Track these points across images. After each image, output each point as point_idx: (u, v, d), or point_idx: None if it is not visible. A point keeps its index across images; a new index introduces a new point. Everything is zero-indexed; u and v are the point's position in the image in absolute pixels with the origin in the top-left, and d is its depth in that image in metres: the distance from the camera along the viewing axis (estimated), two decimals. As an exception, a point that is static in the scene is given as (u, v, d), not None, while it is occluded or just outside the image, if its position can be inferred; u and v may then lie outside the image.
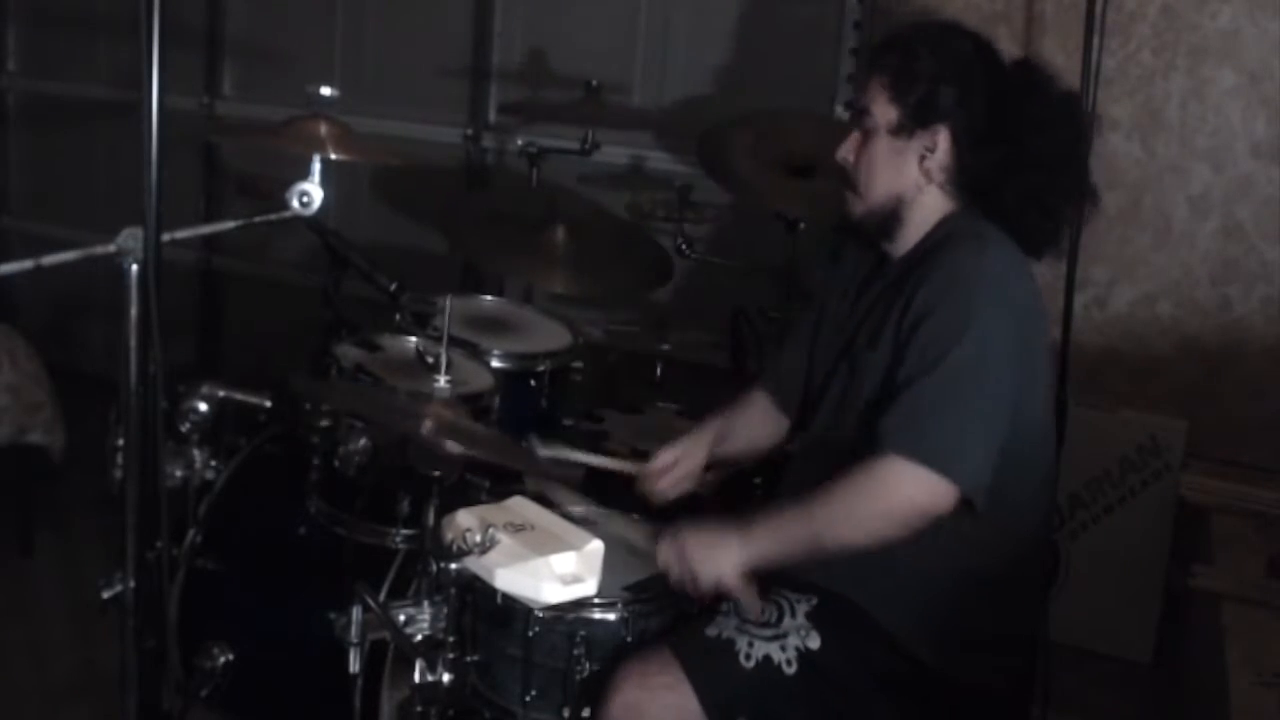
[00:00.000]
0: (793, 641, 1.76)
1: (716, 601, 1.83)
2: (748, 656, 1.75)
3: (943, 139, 1.82)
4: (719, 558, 1.76)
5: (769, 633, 1.77)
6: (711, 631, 1.78)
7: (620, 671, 1.77)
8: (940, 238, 1.84)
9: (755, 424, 2.15)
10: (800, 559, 1.75)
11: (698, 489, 2.14)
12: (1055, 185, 1.84)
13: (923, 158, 1.84)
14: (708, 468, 2.15)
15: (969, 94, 1.81)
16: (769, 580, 1.86)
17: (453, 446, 1.75)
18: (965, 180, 1.84)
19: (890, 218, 1.87)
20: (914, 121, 1.83)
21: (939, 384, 1.70)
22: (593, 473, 2.16)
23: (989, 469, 1.69)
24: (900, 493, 1.69)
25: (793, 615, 1.79)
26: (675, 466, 2.10)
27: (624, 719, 1.73)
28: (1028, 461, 1.82)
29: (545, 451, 2.12)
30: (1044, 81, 1.86)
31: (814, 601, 1.80)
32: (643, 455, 2.17)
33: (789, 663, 1.75)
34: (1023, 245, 1.83)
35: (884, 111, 1.85)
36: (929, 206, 1.86)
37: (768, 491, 2.32)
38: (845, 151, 1.90)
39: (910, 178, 1.85)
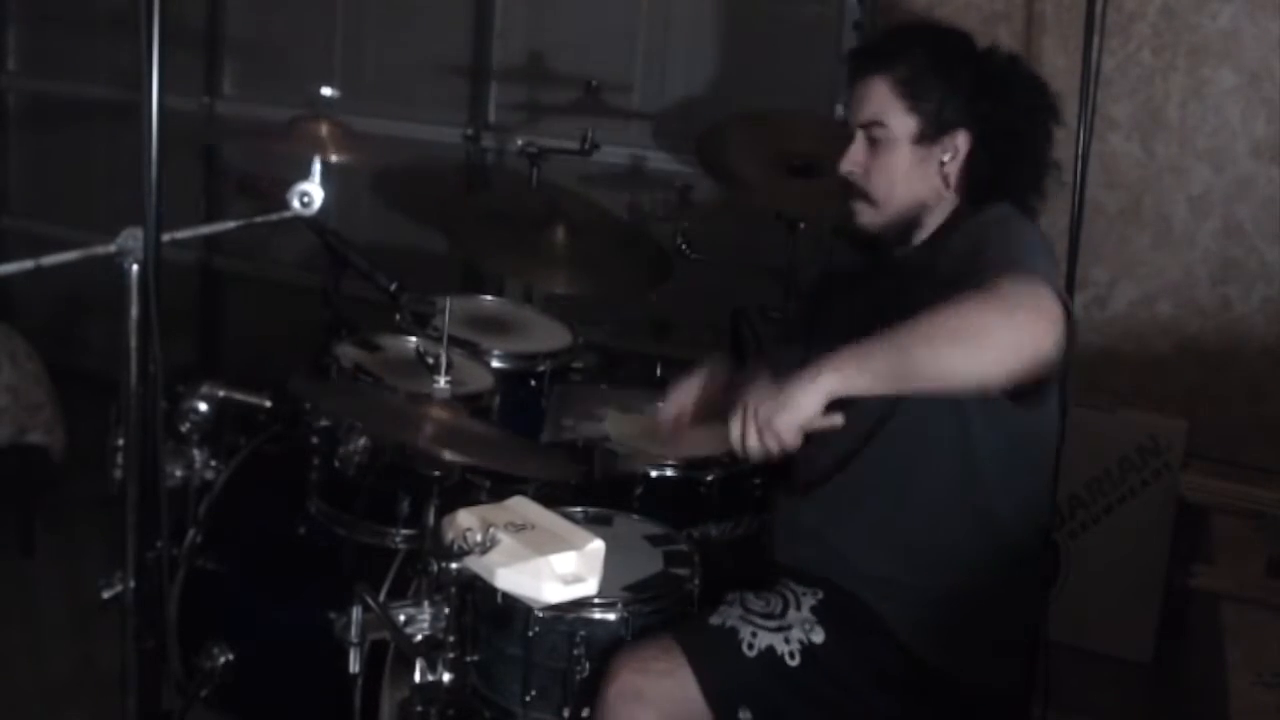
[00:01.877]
0: (796, 634, 1.76)
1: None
2: (750, 646, 1.74)
3: (963, 142, 1.81)
4: (796, 398, 1.55)
5: (773, 624, 1.77)
6: (715, 620, 1.78)
7: (619, 657, 1.76)
8: (951, 227, 1.85)
9: None
10: (890, 390, 1.55)
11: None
12: (1044, 166, 1.85)
13: (943, 163, 1.83)
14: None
15: (976, 94, 1.81)
16: (775, 574, 1.87)
17: (451, 456, 1.75)
18: (977, 176, 1.83)
19: (911, 224, 1.86)
20: (935, 129, 1.81)
21: (1007, 256, 1.63)
22: None
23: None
24: (1031, 304, 1.48)
25: (798, 608, 1.79)
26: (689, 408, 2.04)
27: (622, 704, 1.72)
28: (1037, 457, 1.83)
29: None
30: (1018, 66, 1.87)
31: (820, 595, 1.81)
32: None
33: (792, 655, 1.74)
34: None
35: (902, 122, 1.82)
36: (944, 207, 1.86)
37: (767, 492, 2.32)
38: (851, 164, 1.86)
39: (932, 183, 1.84)
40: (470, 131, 3.87)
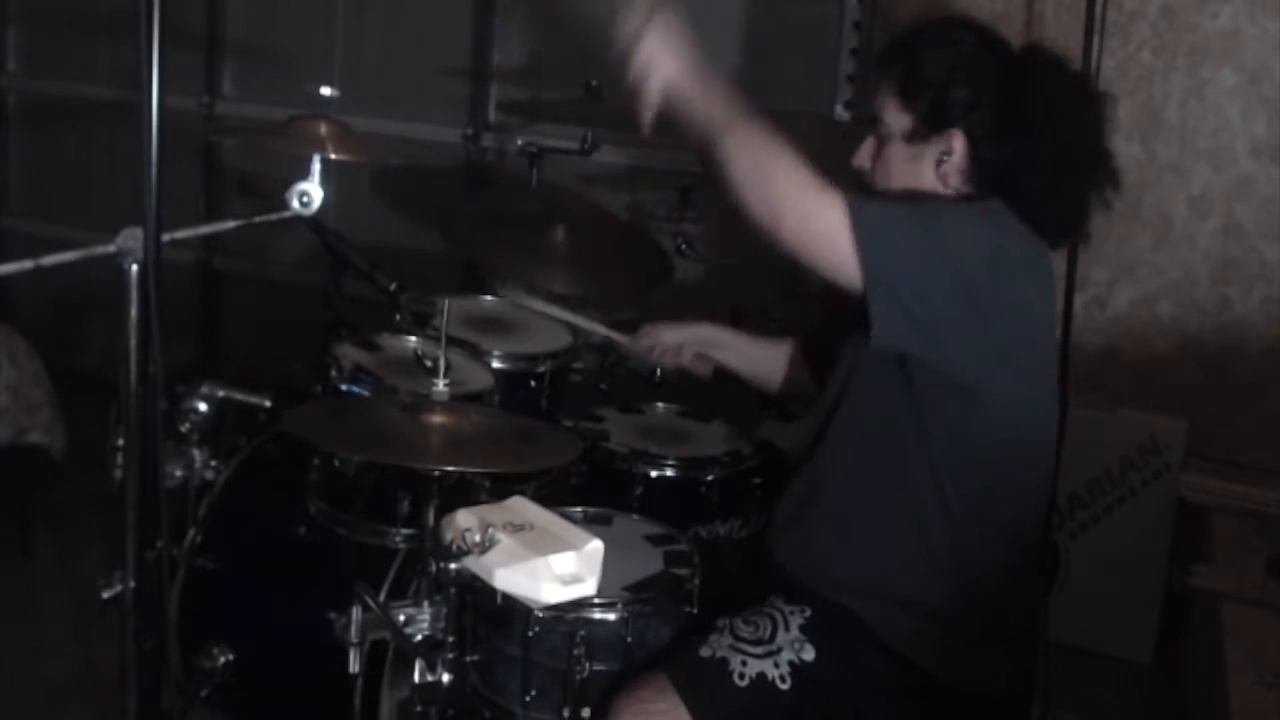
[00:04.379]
0: (786, 656, 1.76)
1: None
2: (741, 675, 1.74)
3: (958, 141, 1.79)
4: (660, 60, 1.75)
5: (761, 650, 1.77)
6: (705, 652, 1.78)
7: (616, 701, 1.76)
8: None
9: (775, 358, 2.20)
10: (702, 136, 1.74)
11: (688, 367, 2.25)
12: (1073, 172, 1.82)
13: (939, 162, 1.81)
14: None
15: (979, 92, 1.77)
16: (762, 592, 1.87)
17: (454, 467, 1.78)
18: (982, 178, 1.80)
19: None
20: (927, 127, 1.80)
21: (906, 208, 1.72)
22: None
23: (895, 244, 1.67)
24: (820, 206, 1.71)
25: (786, 629, 1.79)
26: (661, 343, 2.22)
27: None
28: (1029, 453, 1.82)
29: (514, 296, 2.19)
30: (1053, 67, 1.83)
31: (807, 614, 1.80)
32: (628, 327, 2.30)
33: (783, 679, 1.74)
34: (1043, 236, 1.81)
35: (896, 119, 1.82)
36: None
37: (767, 493, 2.32)
38: (862, 158, 1.88)
39: (928, 182, 1.82)
40: (470, 131, 3.87)
